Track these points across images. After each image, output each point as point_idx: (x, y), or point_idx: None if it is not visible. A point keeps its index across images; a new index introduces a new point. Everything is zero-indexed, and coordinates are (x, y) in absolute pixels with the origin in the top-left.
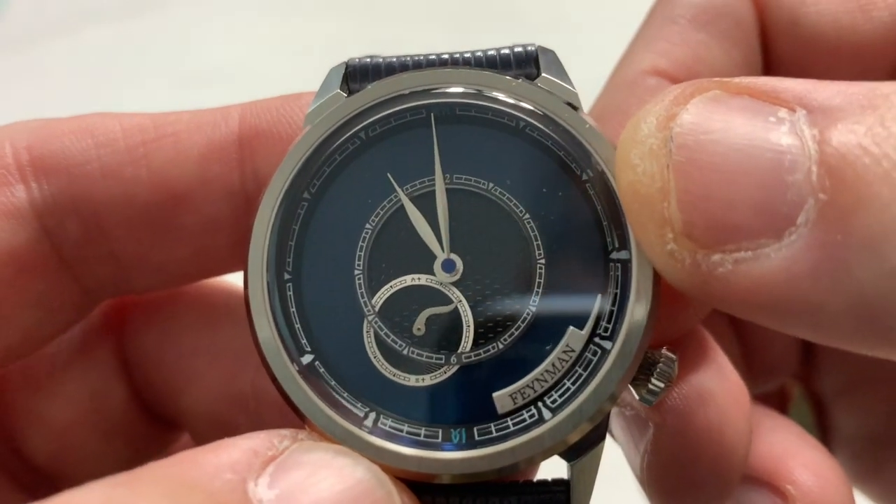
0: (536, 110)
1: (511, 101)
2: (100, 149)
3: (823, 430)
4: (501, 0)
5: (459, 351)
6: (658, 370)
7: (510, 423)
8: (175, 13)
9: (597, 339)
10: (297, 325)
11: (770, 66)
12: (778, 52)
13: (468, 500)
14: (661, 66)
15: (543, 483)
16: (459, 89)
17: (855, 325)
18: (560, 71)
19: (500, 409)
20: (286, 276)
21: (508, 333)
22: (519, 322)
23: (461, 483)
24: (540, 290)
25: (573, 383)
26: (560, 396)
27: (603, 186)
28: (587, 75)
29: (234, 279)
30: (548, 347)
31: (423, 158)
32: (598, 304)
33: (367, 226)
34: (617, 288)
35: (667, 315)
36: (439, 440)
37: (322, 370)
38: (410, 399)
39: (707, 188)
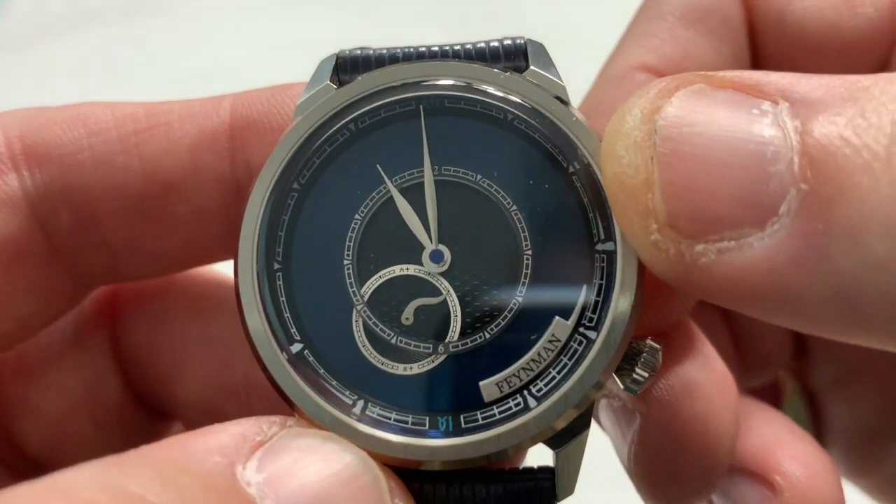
0: (524, 103)
1: (500, 93)
2: (92, 138)
3: (817, 424)
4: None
5: (447, 340)
6: (642, 360)
7: (496, 411)
8: (175, 13)
9: (582, 329)
10: (287, 315)
11: (758, 62)
12: (766, 48)
13: (455, 487)
14: (650, 62)
15: (529, 470)
16: (449, 82)
17: (835, 313)
18: (548, 64)
19: (487, 398)
20: (276, 266)
21: (495, 323)
22: (505, 312)
23: (448, 470)
24: (526, 281)
25: (558, 372)
26: (545, 385)
27: (589, 178)
28: (582, 74)
29: (226, 269)
30: (534, 337)
31: (412, 150)
32: (583, 294)
33: (357, 216)
34: (602, 279)
35: (654, 307)
36: (426, 427)
37: (311, 359)
38: (398, 387)
39: (690, 179)
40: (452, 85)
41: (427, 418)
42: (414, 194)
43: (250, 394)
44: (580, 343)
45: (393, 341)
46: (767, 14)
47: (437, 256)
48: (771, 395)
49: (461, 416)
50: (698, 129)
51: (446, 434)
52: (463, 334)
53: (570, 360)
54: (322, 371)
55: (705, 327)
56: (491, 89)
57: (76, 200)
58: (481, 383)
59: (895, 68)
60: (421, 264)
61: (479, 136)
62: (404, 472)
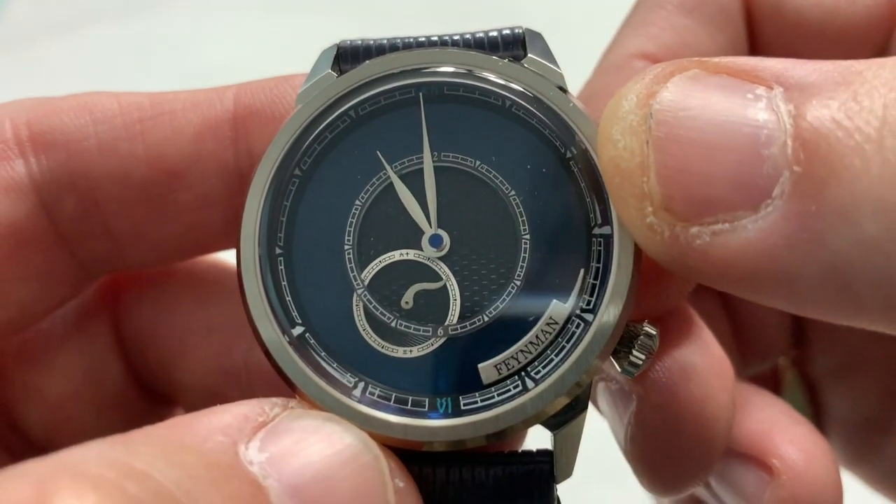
0: (522, 90)
1: (498, 80)
2: (97, 125)
3: (817, 413)
4: None
5: (446, 324)
6: (639, 343)
7: (495, 392)
8: (175, 13)
9: (579, 312)
10: (288, 298)
11: (756, 50)
12: (763, 36)
13: (455, 469)
14: (649, 50)
15: (528, 453)
16: (448, 69)
17: (829, 294)
18: (546, 52)
19: (486, 380)
20: (278, 251)
21: (494, 307)
22: (504, 295)
23: (448, 451)
24: (524, 265)
25: (556, 355)
26: (543, 367)
27: (586, 163)
28: (579, 69)
29: (228, 256)
30: (532, 320)
31: (412, 136)
32: (580, 278)
33: (357, 202)
34: (599, 262)
35: (651, 291)
36: (426, 409)
37: (312, 341)
38: (398, 370)
39: (685, 162)
40: (452, 72)
41: (426, 400)
42: (413, 180)
43: (251, 378)
44: (577, 326)
45: (393, 325)
46: (764, 2)
47: (436, 241)
48: (770, 384)
49: (460, 398)
50: (693, 114)
51: (445, 415)
52: (462, 318)
53: (567, 342)
54: (323, 353)
55: (704, 315)
56: (490, 76)
57: (81, 187)
58: (480, 366)
59: (893, 54)
60: (420, 249)
61: (478, 122)
62: (405, 454)
